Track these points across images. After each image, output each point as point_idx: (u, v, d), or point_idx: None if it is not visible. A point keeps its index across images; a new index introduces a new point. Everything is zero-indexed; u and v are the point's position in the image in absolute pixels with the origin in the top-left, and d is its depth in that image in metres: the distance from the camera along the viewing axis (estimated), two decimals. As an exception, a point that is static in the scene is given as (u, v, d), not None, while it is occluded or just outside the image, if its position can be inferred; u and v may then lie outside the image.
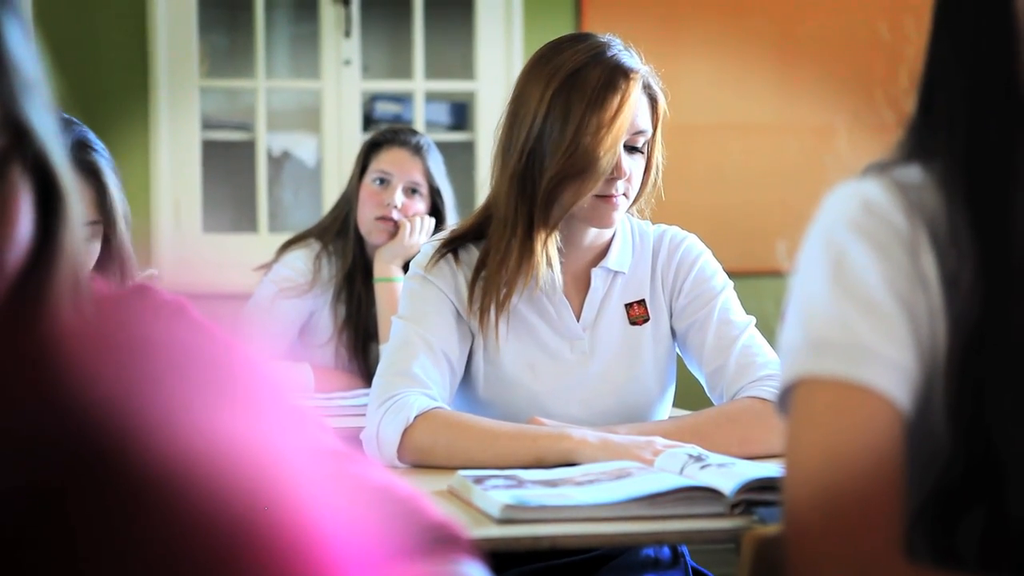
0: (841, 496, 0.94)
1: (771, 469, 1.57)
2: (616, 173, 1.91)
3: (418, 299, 1.96)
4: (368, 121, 4.28)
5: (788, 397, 1.00)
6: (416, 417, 1.82)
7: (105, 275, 1.94)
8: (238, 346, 0.70)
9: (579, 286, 2.03)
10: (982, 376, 0.97)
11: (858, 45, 4.31)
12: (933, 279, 0.99)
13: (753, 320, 2.01)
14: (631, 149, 1.94)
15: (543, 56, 1.95)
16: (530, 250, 1.93)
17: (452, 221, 3.01)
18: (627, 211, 2.02)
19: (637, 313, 2.03)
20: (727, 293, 2.03)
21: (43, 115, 0.76)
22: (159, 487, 0.56)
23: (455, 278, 1.97)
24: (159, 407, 0.59)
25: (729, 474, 1.56)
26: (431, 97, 4.36)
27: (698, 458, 1.66)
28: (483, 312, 1.95)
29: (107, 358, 0.61)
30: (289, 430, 0.64)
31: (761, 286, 3.88)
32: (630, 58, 1.94)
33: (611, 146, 1.89)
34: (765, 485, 1.51)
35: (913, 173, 1.03)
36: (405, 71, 4.36)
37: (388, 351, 1.94)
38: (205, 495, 0.56)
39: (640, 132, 1.94)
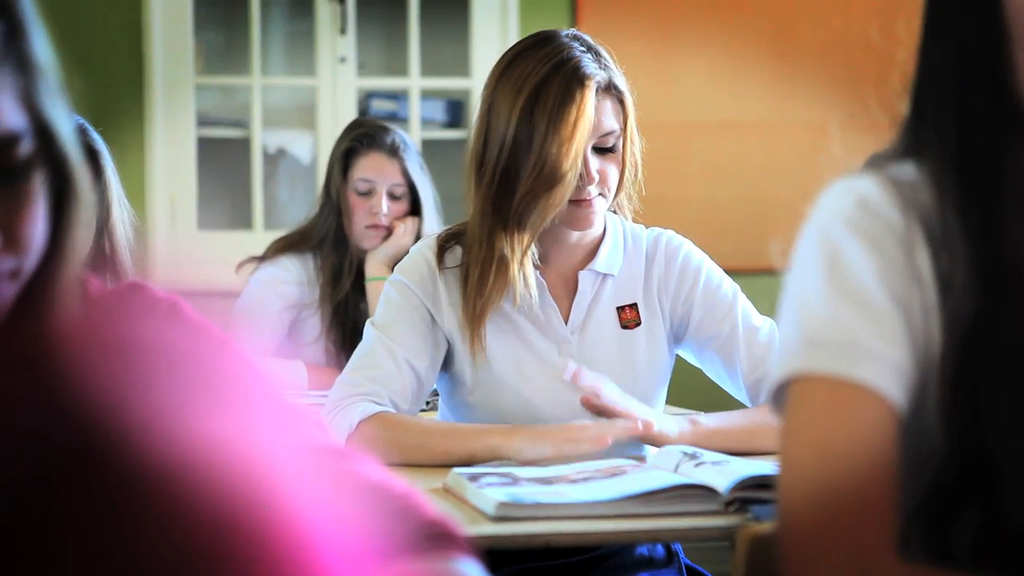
0: (836, 494, 0.94)
1: (766, 467, 1.57)
2: (585, 180, 1.91)
3: (391, 307, 1.97)
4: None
5: (783, 394, 1.00)
6: (358, 423, 1.84)
7: (96, 263, 1.94)
8: (231, 343, 0.70)
9: (567, 288, 2.02)
10: (976, 374, 0.97)
11: (852, 44, 4.31)
12: (928, 276, 0.99)
13: (770, 320, 2.00)
14: (602, 150, 1.93)
15: (508, 65, 1.94)
16: (505, 269, 1.92)
17: (430, 212, 3.06)
18: (609, 208, 2.01)
19: (628, 317, 2.01)
20: (741, 299, 2.02)
21: (64, 118, 0.76)
22: (149, 485, 0.56)
23: (435, 284, 1.97)
24: (150, 405, 0.58)
25: (724, 472, 1.56)
26: (427, 94, 4.35)
27: (692, 456, 1.66)
28: (462, 327, 1.95)
29: (99, 356, 0.61)
30: (281, 428, 0.64)
31: (756, 283, 3.87)
32: (590, 62, 1.91)
33: (574, 159, 1.87)
34: (760, 483, 1.51)
35: (908, 170, 1.03)
36: (401, 68, 4.36)
37: (354, 357, 1.96)
38: (195, 493, 0.56)
39: (608, 133, 1.92)
